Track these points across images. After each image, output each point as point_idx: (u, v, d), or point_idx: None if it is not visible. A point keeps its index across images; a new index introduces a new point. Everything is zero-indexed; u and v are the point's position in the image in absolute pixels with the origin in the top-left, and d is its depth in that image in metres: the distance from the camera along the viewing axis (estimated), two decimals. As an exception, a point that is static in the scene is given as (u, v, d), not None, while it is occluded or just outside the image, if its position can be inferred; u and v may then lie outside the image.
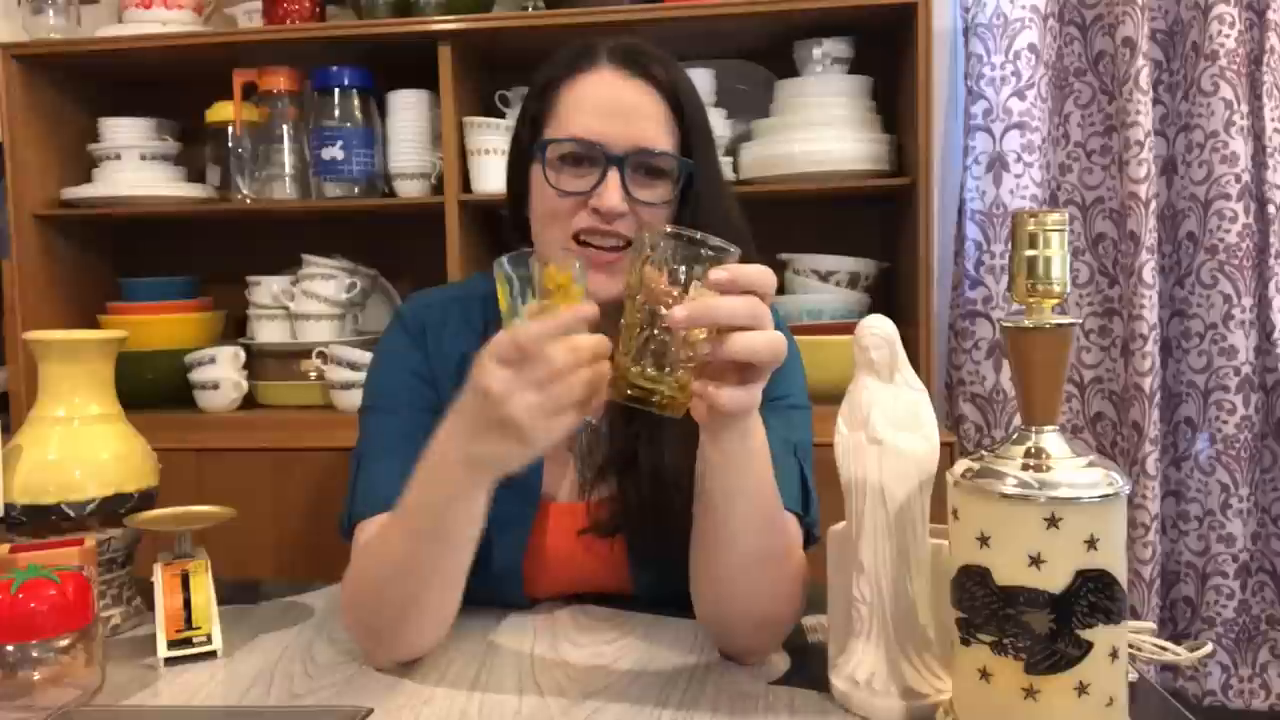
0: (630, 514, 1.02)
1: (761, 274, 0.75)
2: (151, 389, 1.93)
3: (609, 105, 0.98)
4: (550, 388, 0.72)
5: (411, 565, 0.87)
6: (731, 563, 0.87)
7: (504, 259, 0.78)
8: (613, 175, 0.96)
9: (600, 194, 0.96)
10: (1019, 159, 1.90)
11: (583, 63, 1.00)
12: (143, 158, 1.98)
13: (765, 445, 0.83)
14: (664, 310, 0.73)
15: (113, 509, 1.03)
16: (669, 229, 0.76)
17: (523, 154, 1.04)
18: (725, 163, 1.73)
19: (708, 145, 1.03)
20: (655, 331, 0.74)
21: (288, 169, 1.97)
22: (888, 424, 0.79)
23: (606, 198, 0.96)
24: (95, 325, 2.01)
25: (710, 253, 0.74)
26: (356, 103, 1.92)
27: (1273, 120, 1.83)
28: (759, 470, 0.84)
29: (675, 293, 0.74)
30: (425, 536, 0.85)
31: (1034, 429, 0.70)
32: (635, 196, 0.97)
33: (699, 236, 0.75)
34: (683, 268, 0.74)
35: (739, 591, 0.88)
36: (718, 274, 0.73)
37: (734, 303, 0.73)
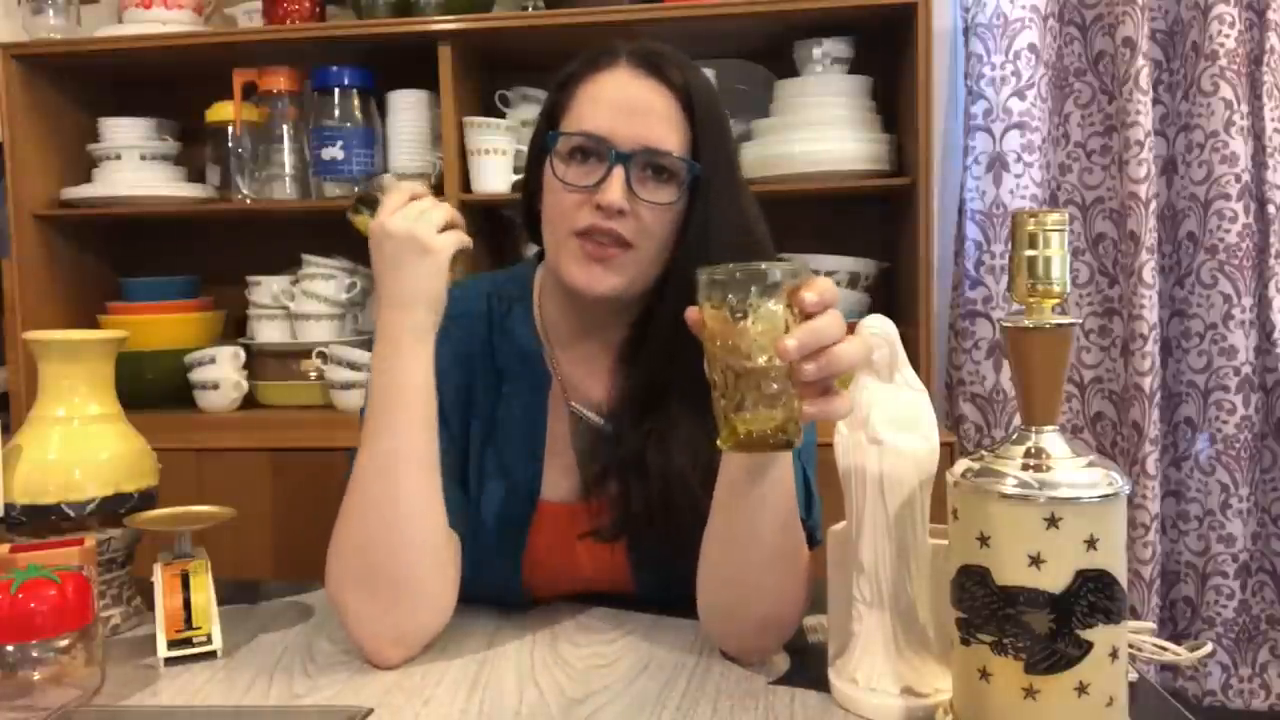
0: (633, 516, 1.02)
1: (834, 288, 0.76)
2: (151, 389, 1.93)
3: (620, 103, 0.98)
4: (429, 213, 0.94)
5: (389, 457, 0.92)
6: (749, 564, 0.87)
7: (354, 203, 1.02)
8: (617, 172, 0.96)
9: (603, 190, 0.96)
10: (1019, 159, 1.90)
11: (602, 61, 1.01)
12: (143, 158, 1.98)
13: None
14: (744, 350, 0.73)
15: (113, 509, 1.03)
16: (717, 271, 0.74)
17: (538, 149, 1.05)
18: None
19: (722, 148, 1.02)
20: (753, 375, 0.73)
21: (288, 169, 1.97)
22: (888, 424, 0.79)
23: (609, 193, 0.96)
24: (95, 325, 2.01)
25: (778, 276, 0.73)
26: (356, 103, 1.92)
27: (1273, 120, 1.83)
28: (784, 473, 0.84)
29: (752, 330, 0.72)
30: (400, 414, 0.93)
31: (1034, 429, 0.70)
32: (639, 195, 0.97)
33: (762, 267, 0.74)
34: (749, 297, 0.73)
35: (752, 593, 0.89)
36: (810, 298, 0.73)
37: (829, 322, 0.73)
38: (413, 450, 0.92)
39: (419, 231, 0.92)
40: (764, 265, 0.74)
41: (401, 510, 0.91)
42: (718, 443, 0.76)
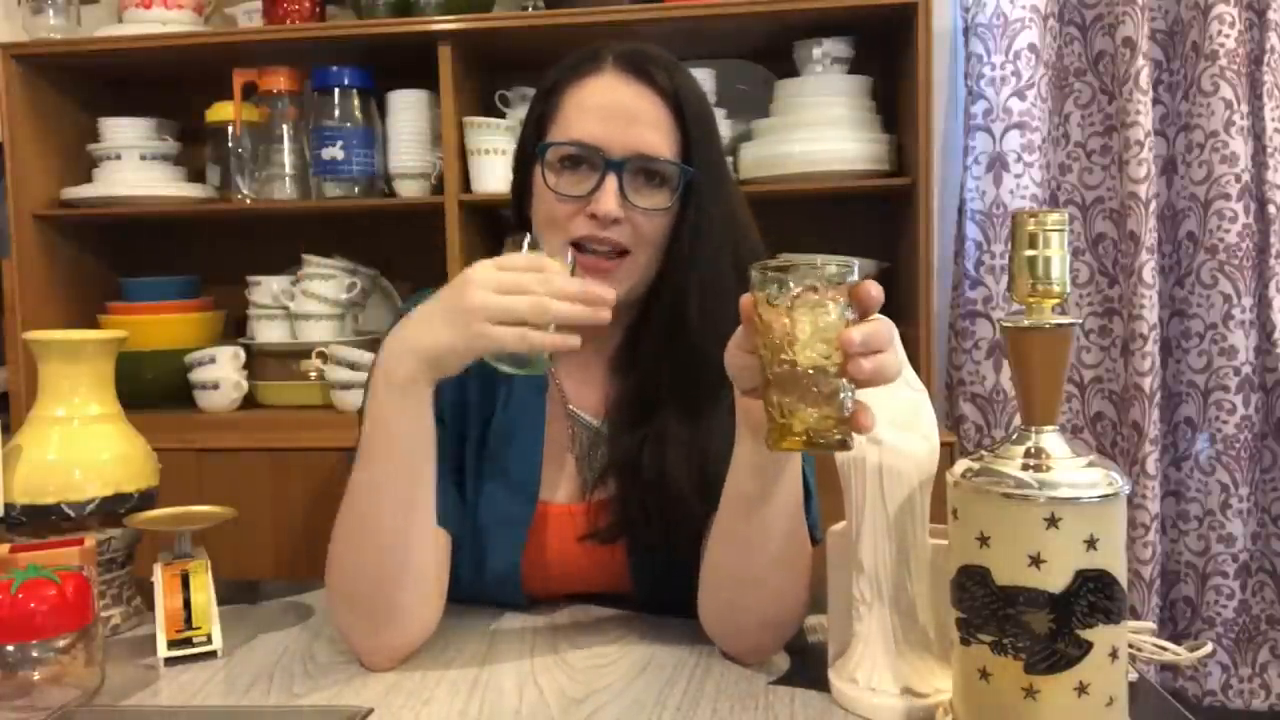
0: (632, 518, 1.02)
1: (882, 292, 0.72)
2: (151, 389, 1.93)
3: (610, 109, 0.98)
4: (504, 299, 0.81)
5: (368, 491, 0.88)
6: (755, 565, 0.87)
7: (519, 239, 0.88)
8: (610, 180, 0.96)
9: (597, 199, 0.96)
10: (1019, 159, 1.89)
11: (588, 66, 1.00)
12: (143, 158, 1.98)
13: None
14: (789, 349, 0.69)
15: (113, 509, 1.03)
16: (771, 264, 0.72)
17: (526, 154, 1.05)
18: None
19: (711, 149, 1.02)
20: (811, 372, 0.69)
21: (288, 169, 1.97)
22: (888, 424, 0.79)
23: (603, 202, 0.96)
24: (95, 325, 2.01)
25: (834, 271, 0.70)
26: (356, 103, 1.92)
27: (1273, 120, 1.83)
28: (794, 476, 0.84)
29: (809, 324, 0.69)
30: (378, 452, 0.88)
31: (1034, 429, 0.70)
32: (633, 202, 0.97)
33: (819, 260, 0.72)
34: (804, 289, 0.70)
35: (756, 593, 0.89)
36: (875, 292, 0.70)
37: (886, 326, 0.71)
38: (397, 489, 0.89)
39: (476, 303, 0.81)
40: (821, 259, 0.73)
41: (385, 544, 0.89)
42: (766, 444, 0.72)
